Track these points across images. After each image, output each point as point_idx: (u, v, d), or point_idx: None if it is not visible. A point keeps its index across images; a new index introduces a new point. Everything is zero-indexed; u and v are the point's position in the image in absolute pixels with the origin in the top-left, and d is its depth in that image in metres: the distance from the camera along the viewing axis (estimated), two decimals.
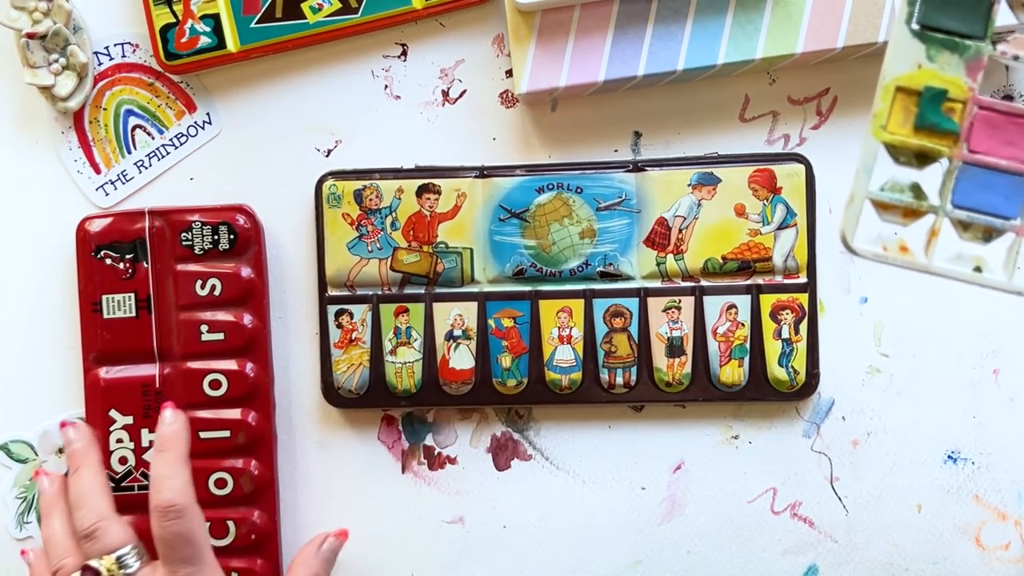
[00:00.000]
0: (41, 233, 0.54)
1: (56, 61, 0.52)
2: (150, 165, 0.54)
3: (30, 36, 0.52)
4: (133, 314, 0.51)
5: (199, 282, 0.51)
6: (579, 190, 0.51)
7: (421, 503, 0.53)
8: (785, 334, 0.50)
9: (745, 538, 0.52)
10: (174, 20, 0.52)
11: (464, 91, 0.53)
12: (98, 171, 0.54)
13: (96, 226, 0.52)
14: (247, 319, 0.51)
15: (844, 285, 0.52)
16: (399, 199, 0.52)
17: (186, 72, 0.52)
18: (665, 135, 0.53)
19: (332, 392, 0.52)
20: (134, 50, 0.54)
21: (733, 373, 0.51)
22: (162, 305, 0.51)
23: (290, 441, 0.53)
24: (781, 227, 0.51)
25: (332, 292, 0.52)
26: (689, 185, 0.51)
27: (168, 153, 0.54)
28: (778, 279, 0.51)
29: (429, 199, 0.52)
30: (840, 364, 0.52)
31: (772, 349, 0.50)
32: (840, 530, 0.52)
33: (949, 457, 0.52)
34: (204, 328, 0.51)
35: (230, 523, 0.51)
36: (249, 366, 0.51)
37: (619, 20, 0.49)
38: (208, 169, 0.54)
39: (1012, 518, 0.52)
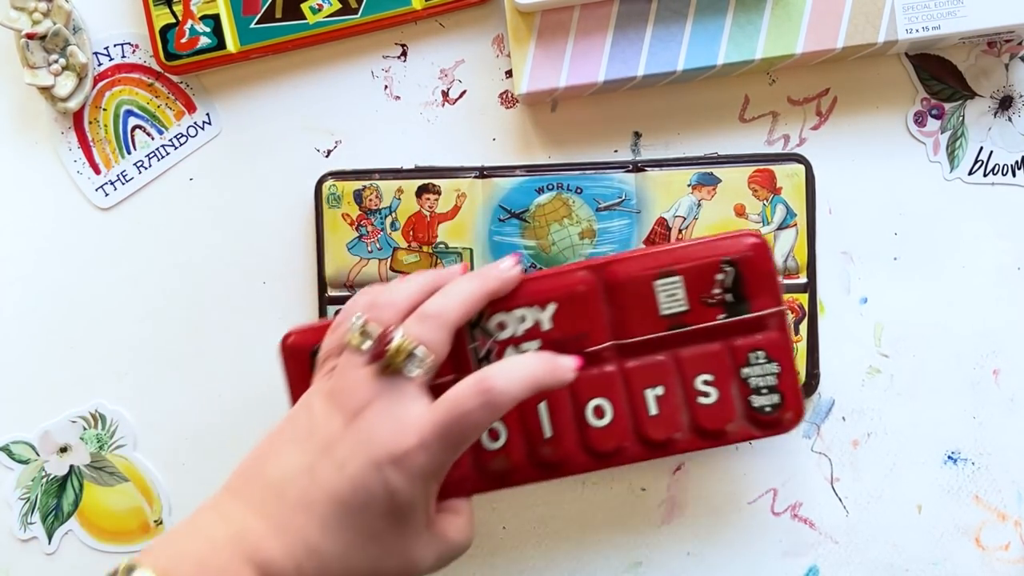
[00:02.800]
0: (41, 233, 0.54)
1: (56, 61, 0.52)
2: (150, 165, 0.54)
3: (30, 36, 0.52)
4: None
5: None
6: (579, 190, 0.51)
7: None
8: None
9: (745, 539, 0.52)
10: (174, 20, 0.52)
11: (464, 91, 0.53)
12: (98, 171, 0.54)
13: None
14: None
15: (844, 285, 0.52)
16: (399, 199, 0.52)
17: (186, 72, 0.52)
18: (665, 135, 0.53)
19: None
20: (134, 50, 0.54)
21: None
22: None
23: None
24: (781, 227, 0.51)
25: (332, 292, 0.52)
26: (689, 185, 0.51)
27: (168, 153, 0.54)
28: (778, 280, 0.51)
29: (429, 199, 0.52)
30: (840, 364, 0.52)
31: None
32: (840, 531, 0.52)
33: (949, 457, 0.52)
34: None
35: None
36: None
37: (619, 21, 0.49)
38: (208, 170, 0.54)
39: (1012, 518, 0.52)
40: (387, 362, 0.40)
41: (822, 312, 0.52)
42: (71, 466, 0.54)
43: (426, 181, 0.51)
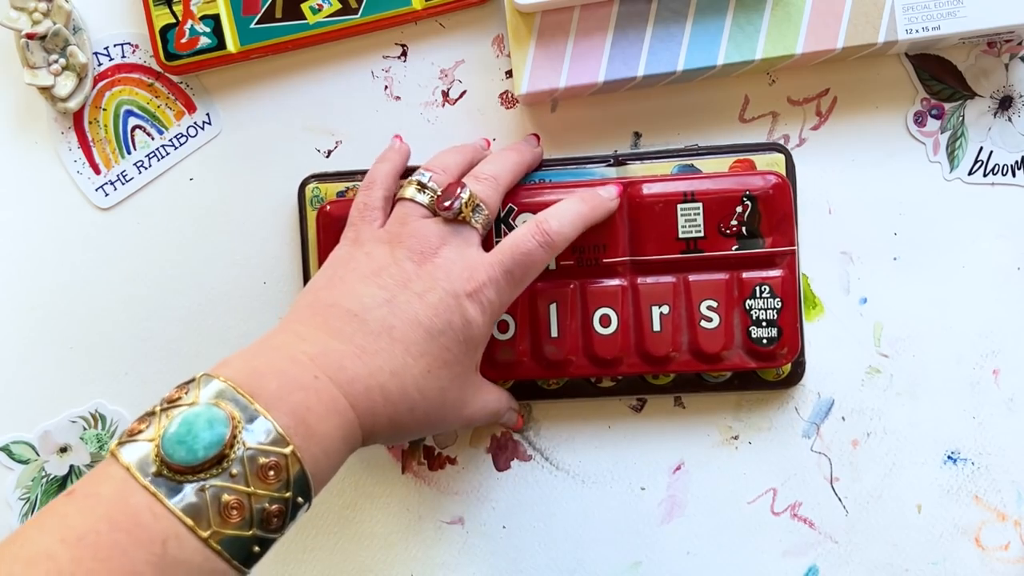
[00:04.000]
0: (41, 233, 0.54)
1: (56, 62, 0.52)
2: (150, 165, 0.54)
3: (30, 37, 0.52)
4: None
5: None
6: None
7: (421, 503, 0.53)
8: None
9: (745, 539, 0.52)
10: (174, 21, 0.52)
11: (464, 92, 0.53)
12: (98, 171, 0.54)
13: None
14: None
15: (844, 285, 0.52)
16: None
17: (186, 73, 0.52)
18: (665, 136, 0.53)
19: None
20: (134, 51, 0.54)
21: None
22: None
23: None
24: None
25: None
26: None
27: (168, 154, 0.54)
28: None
29: None
30: (840, 364, 0.52)
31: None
32: (840, 531, 0.52)
33: (949, 457, 0.52)
34: None
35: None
36: None
37: (619, 21, 0.49)
38: (208, 170, 0.54)
39: (1012, 518, 0.52)
40: (458, 211, 0.45)
41: (822, 312, 0.52)
42: (71, 466, 0.54)
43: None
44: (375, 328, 0.42)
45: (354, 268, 0.44)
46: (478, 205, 0.45)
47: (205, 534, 0.34)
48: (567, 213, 0.46)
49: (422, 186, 0.46)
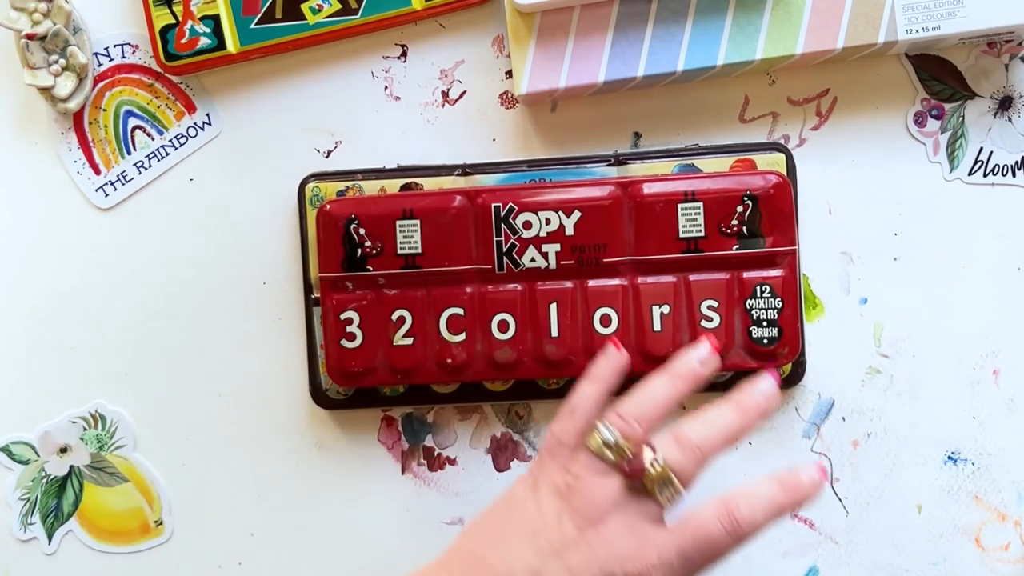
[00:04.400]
0: (41, 234, 0.54)
1: (56, 62, 0.52)
2: (150, 166, 0.54)
3: (30, 37, 0.52)
4: None
5: None
6: None
7: (421, 504, 0.53)
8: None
9: None
10: (174, 21, 0.52)
11: (464, 92, 0.53)
12: (98, 172, 0.54)
13: None
14: None
15: (844, 285, 0.52)
16: None
17: (186, 73, 0.52)
18: (665, 136, 0.53)
19: (320, 394, 0.52)
20: (134, 51, 0.54)
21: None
22: None
23: (289, 442, 0.53)
24: None
25: (318, 294, 0.52)
26: None
27: (168, 154, 0.54)
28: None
29: None
30: (840, 364, 0.52)
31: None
32: (840, 531, 0.52)
33: (949, 458, 0.52)
34: None
35: None
36: None
37: (619, 21, 0.49)
38: (208, 170, 0.54)
39: (1012, 519, 0.52)
40: (643, 484, 0.40)
41: (822, 312, 0.52)
42: (71, 466, 0.54)
43: (409, 180, 0.51)
44: None
45: (518, 519, 0.41)
46: (669, 481, 0.40)
47: None
48: (762, 500, 0.40)
49: (609, 445, 0.41)
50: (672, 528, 0.40)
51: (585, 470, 0.41)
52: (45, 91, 0.52)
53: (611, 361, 0.45)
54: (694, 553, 0.39)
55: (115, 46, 0.54)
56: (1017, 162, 0.52)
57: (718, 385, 0.51)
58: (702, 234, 0.49)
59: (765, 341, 0.49)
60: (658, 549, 0.39)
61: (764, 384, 0.43)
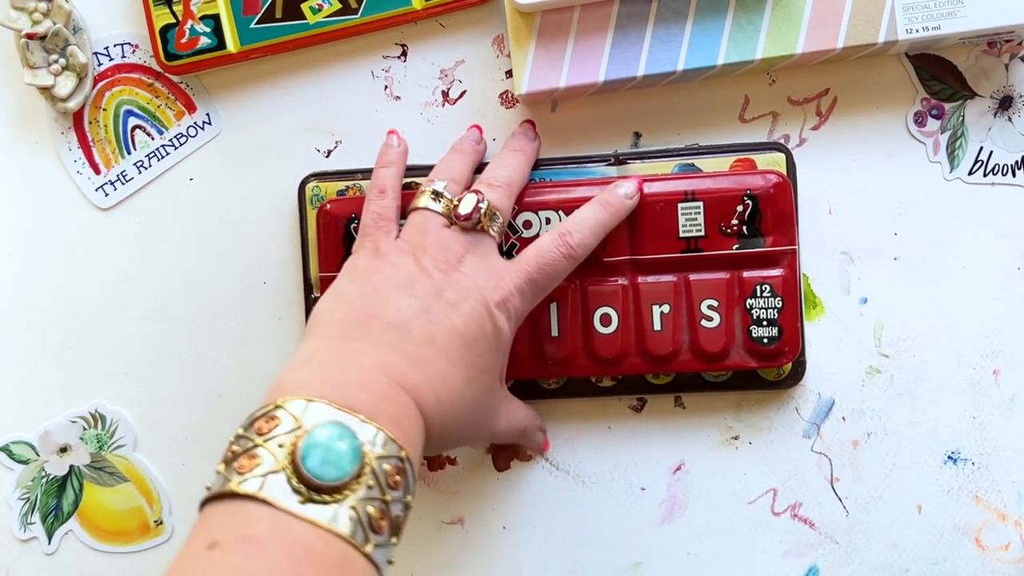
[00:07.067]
0: (41, 233, 0.54)
1: (56, 62, 0.52)
2: (150, 166, 0.54)
3: (30, 37, 0.52)
4: None
5: None
6: None
7: (421, 503, 0.53)
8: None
9: (745, 539, 0.52)
10: (174, 21, 0.52)
11: (464, 92, 0.53)
12: (98, 172, 0.54)
13: None
14: None
15: (844, 285, 0.52)
16: None
17: (186, 73, 0.52)
18: (665, 135, 0.53)
19: None
20: (134, 51, 0.54)
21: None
22: None
23: None
24: None
25: (318, 294, 0.52)
26: None
27: (168, 154, 0.54)
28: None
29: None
30: (840, 364, 0.52)
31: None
32: (840, 531, 0.52)
33: (949, 458, 0.52)
34: None
35: None
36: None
37: (619, 21, 0.49)
38: (208, 170, 0.54)
39: (1012, 519, 0.52)
40: (477, 221, 0.45)
41: (822, 312, 0.52)
42: (71, 466, 0.54)
43: (408, 180, 0.51)
44: (419, 337, 0.42)
45: (384, 279, 0.44)
46: (494, 214, 0.46)
47: (368, 550, 0.35)
48: (588, 222, 0.47)
49: (437, 195, 0.46)
50: (518, 259, 0.46)
51: (426, 225, 0.45)
52: (45, 91, 0.52)
53: (393, 148, 0.50)
54: (539, 276, 0.45)
55: (115, 46, 0.54)
56: (1017, 162, 0.52)
57: (718, 386, 0.51)
58: (702, 233, 0.49)
59: (765, 340, 0.49)
60: (512, 277, 0.45)
61: (623, 188, 0.49)
